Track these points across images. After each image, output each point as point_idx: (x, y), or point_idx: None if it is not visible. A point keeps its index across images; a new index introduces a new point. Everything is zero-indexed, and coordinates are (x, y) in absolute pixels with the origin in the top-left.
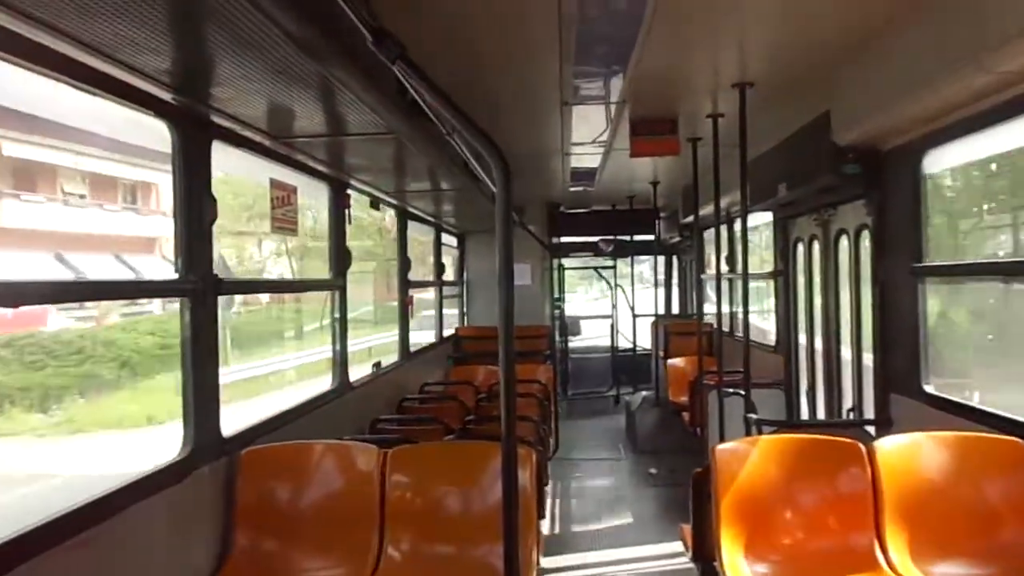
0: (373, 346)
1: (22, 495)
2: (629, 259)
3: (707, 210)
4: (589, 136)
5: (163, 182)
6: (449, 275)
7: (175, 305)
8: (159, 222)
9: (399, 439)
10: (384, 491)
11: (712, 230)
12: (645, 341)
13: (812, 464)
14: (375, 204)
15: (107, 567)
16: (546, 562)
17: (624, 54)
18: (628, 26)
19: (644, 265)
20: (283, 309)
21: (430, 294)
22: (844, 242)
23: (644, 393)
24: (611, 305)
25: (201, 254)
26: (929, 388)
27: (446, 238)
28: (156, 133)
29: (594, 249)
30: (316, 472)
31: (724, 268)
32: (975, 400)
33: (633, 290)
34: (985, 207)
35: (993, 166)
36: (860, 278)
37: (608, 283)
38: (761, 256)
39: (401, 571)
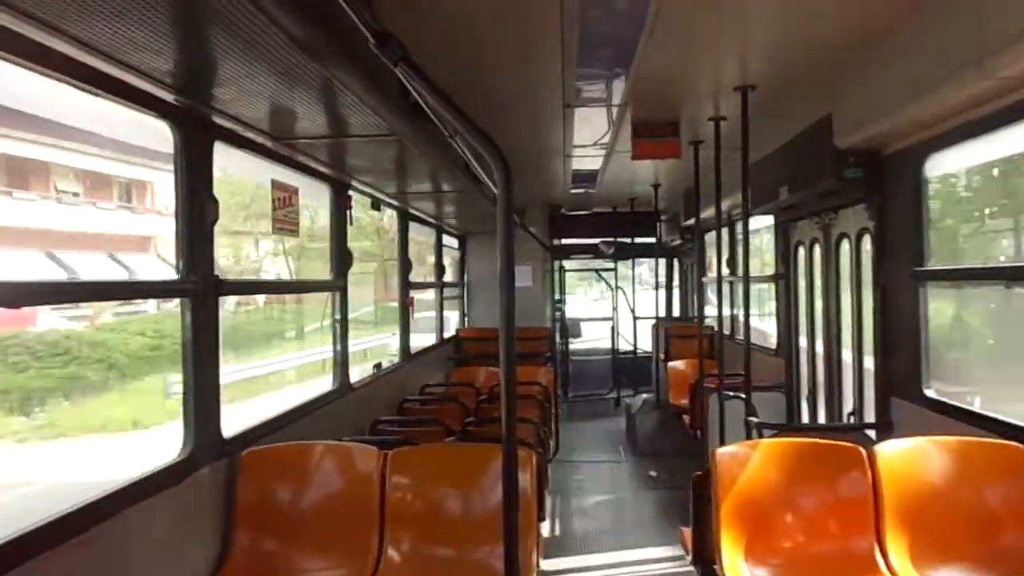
0: (370, 348)
1: None
2: (630, 261)
3: (708, 213)
4: (591, 138)
5: (158, 180)
6: (449, 276)
7: (169, 304)
8: (154, 220)
9: (399, 440)
10: (384, 492)
11: (713, 233)
12: (646, 343)
13: (813, 468)
14: (376, 205)
15: (107, 568)
16: (546, 564)
17: (626, 57)
18: (630, 29)
19: (643, 267)
20: (275, 309)
21: (429, 295)
22: (845, 246)
23: (644, 396)
24: (612, 307)
25: (202, 255)
26: (930, 392)
27: (447, 239)
28: (151, 130)
29: (595, 251)
30: (316, 473)
31: (725, 271)
32: (976, 405)
33: (634, 292)
34: (987, 211)
35: (995, 171)
36: (861, 282)
37: (609, 285)
38: (762, 259)
39: (401, 573)
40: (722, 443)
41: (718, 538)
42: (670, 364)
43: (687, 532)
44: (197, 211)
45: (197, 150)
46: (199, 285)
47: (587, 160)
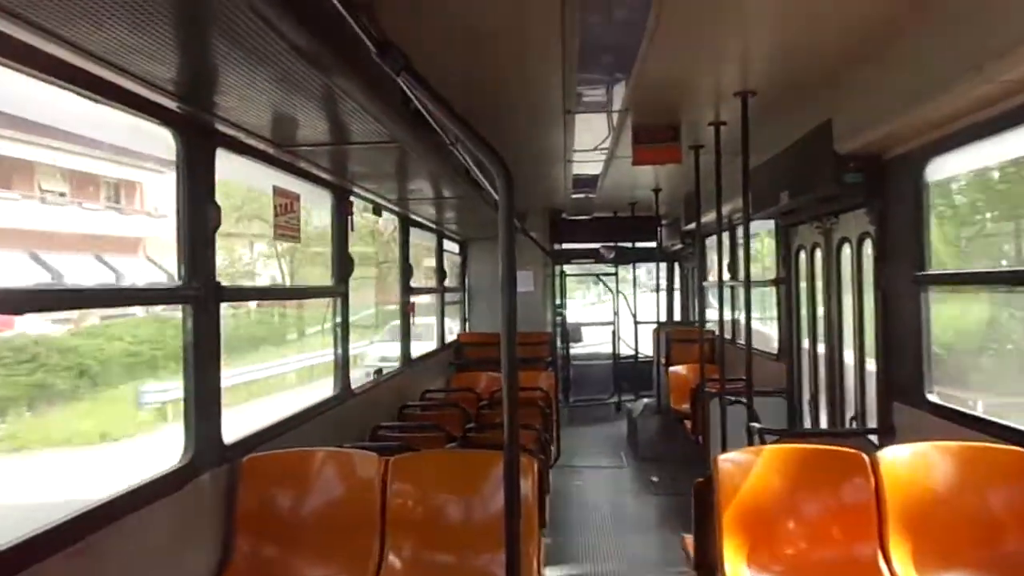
0: (357, 353)
1: None
2: (630, 266)
3: (709, 217)
4: (591, 144)
5: (147, 181)
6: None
7: (156, 307)
8: (144, 222)
9: (400, 447)
10: (385, 499)
11: (714, 237)
12: (647, 348)
13: (815, 474)
14: (377, 211)
15: (107, 575)
16: (547, 571)
17: (627, 62)
18: (631, 35)
19: (641, 270)
20: (265, 313)
21: (426, 299)
22: (846, 250)
23: (646, 400)
24: (612, 312)
25: (204, 261)
26: (932, 397)
27: (448, 244)
28: (143, 133)
29: (596, 256)
30: (317, 480)
31: (726, 275)
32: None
33: (635, 296)
34: (988, 215)
35: (996, 174)
36: (863, 286)
37: (609, 289)
38: (763, 263)
39: None
40: (724, 448)
41: (720, 545)
42: (671, 369)
43: (689, 538)
44: (199, 217)
45: (199, 157)
46: (200, 291)
47: (588, 165)
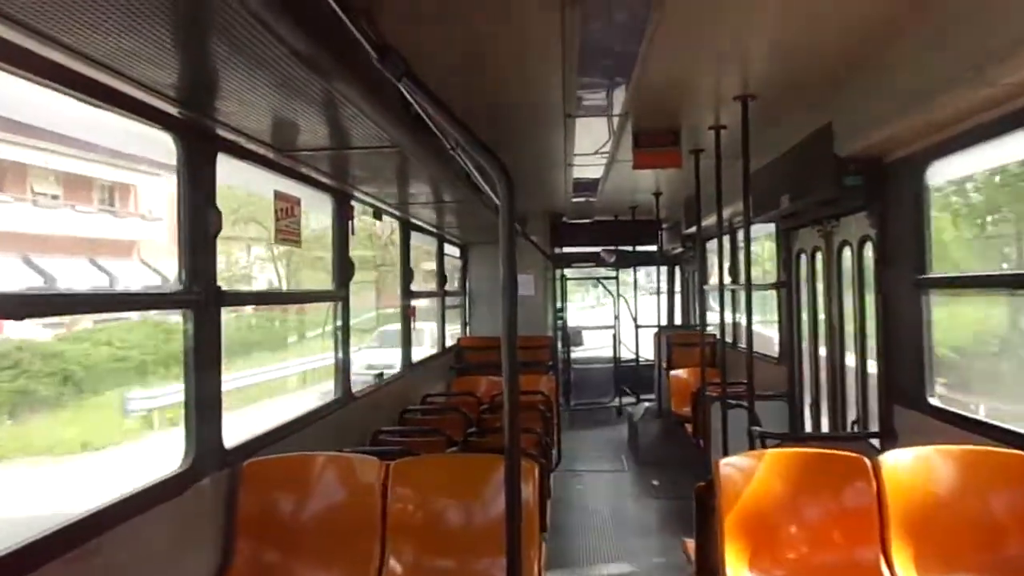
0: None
1: None
2: (631, 269)
3: (709, 221)
4: (591, 147)
5: (142, 184)
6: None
7: (149, 312)
8: (138, 225)
9: (401, 451)
10: (386, 503)
11: (715, 241)
12: (647, 351)
13: (817, 478)
14: (378, 215)
15: None
16: None
17: (627, 66)
18: (631, 38)
19: (641, 273)
20: (263, 317)
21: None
22: (847, 253)
23: (647, 404)
24: (613, 316)
25: (205, 266)
26: (934, 401)
27: (449, 248)
28: (136, 135)
29: (597, 259)
30: (318, 484)
31: (727, 279)
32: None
33: (636, 300)
34: (989, 218)
35: (997, 178)
36: (863, 289)
37: (609, 292)
38: (764, 267)
39: None
40: (725, 452)
41: (722, 549)
42: (672, 372)
43: (690, 543)
44: (200, 222)
45: (200, 162)
46: (201, 296)
47: (588, 169)
